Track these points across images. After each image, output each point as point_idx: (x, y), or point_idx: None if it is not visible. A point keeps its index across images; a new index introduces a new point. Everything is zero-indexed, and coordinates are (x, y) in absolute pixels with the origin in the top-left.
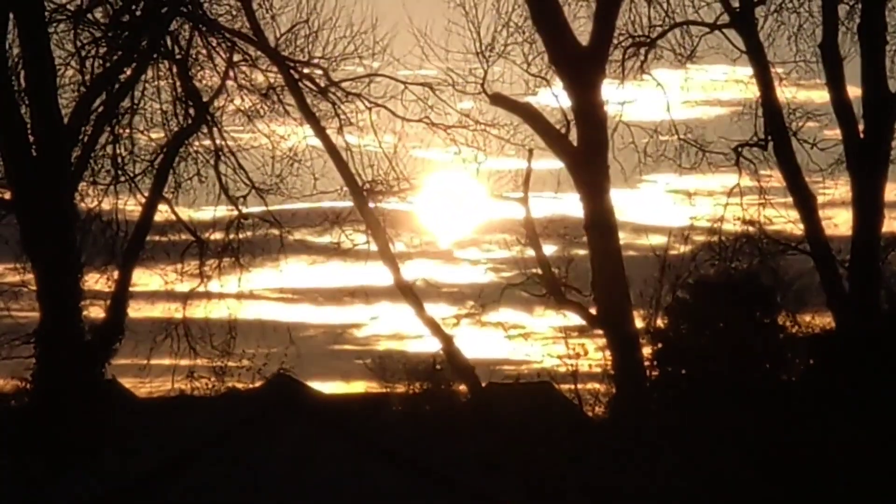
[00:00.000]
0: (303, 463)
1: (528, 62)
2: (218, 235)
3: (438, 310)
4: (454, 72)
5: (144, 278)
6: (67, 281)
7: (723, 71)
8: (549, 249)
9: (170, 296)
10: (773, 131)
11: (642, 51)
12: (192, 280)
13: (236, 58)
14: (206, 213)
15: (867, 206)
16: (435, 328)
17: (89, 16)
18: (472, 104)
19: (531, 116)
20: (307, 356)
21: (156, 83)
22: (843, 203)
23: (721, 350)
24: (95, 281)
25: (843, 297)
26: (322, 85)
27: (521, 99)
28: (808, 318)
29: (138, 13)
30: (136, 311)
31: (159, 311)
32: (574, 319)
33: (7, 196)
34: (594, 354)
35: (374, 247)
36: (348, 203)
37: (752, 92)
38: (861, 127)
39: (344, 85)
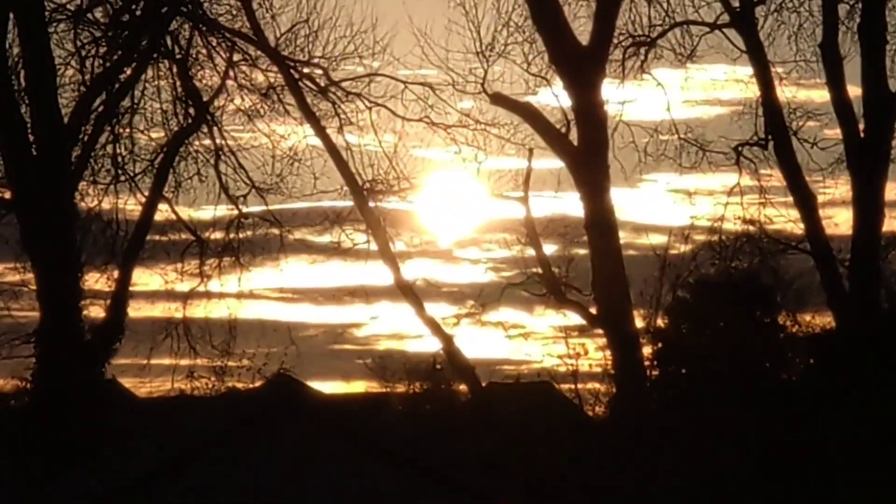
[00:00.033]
0: (303, 463)
1: (528, 62)
2: (218, 235)
3: (439, 309)
4: (454, 71)
5: (144, 278)
6: (67, 280)
7: (723, 70)
8: (550, 249)
9: (170, 295)
10: (774, 131)
11: (642, 50)
12: (192, 279)
13: (236, 57)
14: (206, 213)
15: (867, 205)
16: (435, 328)
17: (89, 15)
18: (472, 104)
19: (531, 116)
20: (307, 356)
21: (156, 83)
22: (843, 202)
23: (721, 349)
24: (95, 280)
25: (844, 297)
26: (322, 84)
27: (522, 98)
28: (808, 317)
29: (138, 13)
30: (136, 310)
31: (159, 310)
32: (574, 319)
33: (7, 195)
34: (594, 354)
35: (374, 246)
36: (348, 202)
37: (753, 91)
38: (861, 126)
39: (344, 84)
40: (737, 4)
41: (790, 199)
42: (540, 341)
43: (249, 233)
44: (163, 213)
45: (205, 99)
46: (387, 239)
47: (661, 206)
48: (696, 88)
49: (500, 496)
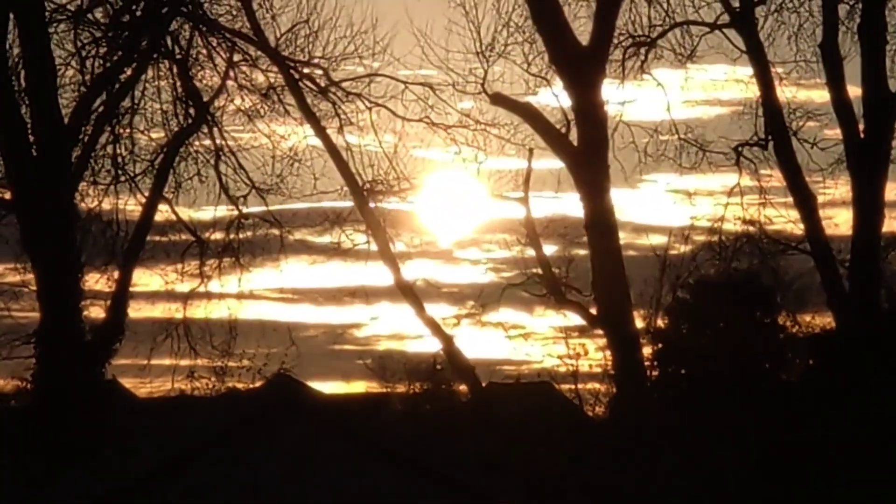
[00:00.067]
0: (303, 463)
1: (528, 62)
2: (218, 235)
3: (439, 310)
4: (454, 72)
5: (145, 278)
6: (68, 281)
7: (723, 71)
8: (550, 249)
9: (170, 296)
10: (774, 131)
11: (642, 50)
12: (192, 280)
13: (236, 58)
14: (206, 213)
15: (867, 205)
16: (435, 328)
17: (89, 16)
18: (472, 104)
19: (531, 116)
20: (307, 356)
21: (156, 83)
22: (843, 203)
23: (721, 350)
24: (96, 281)
25: (844, 297)
26: (322, 85)
27: (522, 99)
28: (808, 317)
29: (138, 13)
30: (136, 311)
31: (159, 311)
32: (574, 319)
33: (7, 196)
34: (594, 354)
35: (374, 247)
36: (348, 203)
37: (753, 92)
38: (861, 126)
39: (344, 85)
40: (737, 5)
41: (790, 199)
42: (540, 342)
43: (250, 233)
44: (163, 213)
45: (205, 99)
46: (387, 239)
47: (661, 207)
48: (696, 89)
49: (500, 496)
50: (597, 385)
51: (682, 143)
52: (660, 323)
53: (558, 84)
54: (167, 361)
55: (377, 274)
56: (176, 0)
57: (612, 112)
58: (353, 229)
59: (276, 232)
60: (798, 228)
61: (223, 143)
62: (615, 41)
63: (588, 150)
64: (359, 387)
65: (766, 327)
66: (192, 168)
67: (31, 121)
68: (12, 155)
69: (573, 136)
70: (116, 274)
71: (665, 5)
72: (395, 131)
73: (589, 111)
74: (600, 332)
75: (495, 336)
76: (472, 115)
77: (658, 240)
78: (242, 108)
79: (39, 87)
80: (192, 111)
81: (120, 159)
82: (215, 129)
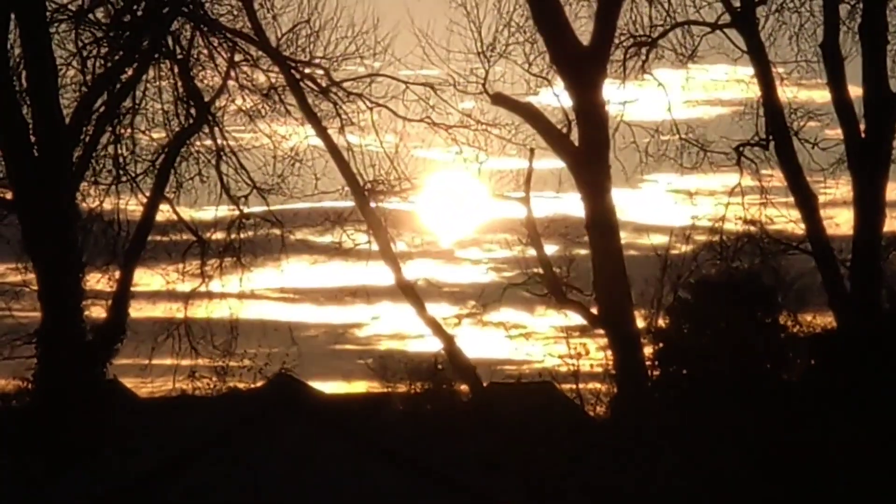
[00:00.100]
0: (304, 463)
1: (529, 62)
2: (219, 235)
3: (440, 309)
4: (455, 72)
5: (146, 278)
6: (69, 281)
7: (724, 71)
8: (551, 249)
9: (171, 296)
10: (775, 131)
11: (643, 50)
12: (193, 280)
13: (238, 58)
14: (207, 213)
15: (868, 205)
16: (436, 328)
17: (90, 16)
18: (473, 104)
19: (532, 116)
20: (308, 356)
21: (157, 83)
22: (844, 203)
23: (722, 350)
24: (97, 281)
25: (845, 297)
26: (323, 85)
27: (523, 99)
28: (809, 317)
29: (140, 13)
30: (137, 310)
31: (161, 310)
32: (575, 319)
33: (8, 196)
34: (595, 354)
35: (375, 246)
36: (350, 203)
37: (754, 91)
38: (862, 126)
39: (345, 85)
40: (738, 5)
41: (791, 199)
42: (541, 341)
43: (251, 233)
44: (164, 213)
45: (206, 99)
46: (388, 239)
47: (662, 207)
48: (697, 88)
49: (500, 496)
50: (598, 385)
51: (683, 143)
52: (661, 323)
53: (559, 84)
54: (168, 361)
55: (378, 274)
56: (177, 0)
57: (613, 112)
58: (354, 229)
59: (277, 232)
60: (799, 228)
61: (224, 143)
62: (616, 41)
63: (589, 150)
64: (360, 386)
65: (767, 327)
66: (193, 168)
67: (33, 121)
68: (13, 155)
69: (574, 136)
70: (117, 274)
71: (666, 5)
72: (397, 131)
73: (590, 111)
74: (601, 331)
75: (496, 336)
76: (473, 115)
77: (659, 240)
78: (243, 108)
79: (40, 87)
80: (193, 111)
81: (121, 159)
82: (216, 129)
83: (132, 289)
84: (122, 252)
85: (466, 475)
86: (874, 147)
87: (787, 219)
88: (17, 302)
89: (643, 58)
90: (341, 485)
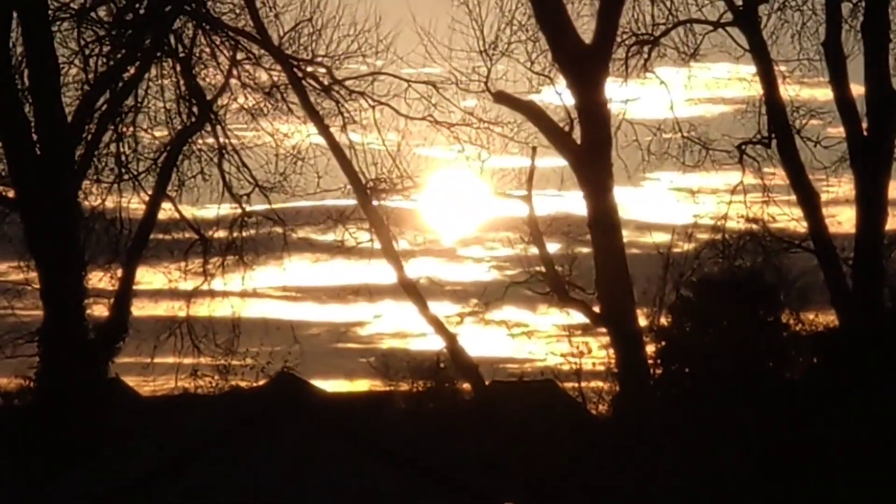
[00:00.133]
0: (306, 462)
1: (531, 60)
2: (221, 233)
3: (442, 308)
4: (458, 70)
5: (148, 276)
6: (71, 279)
7: (726, 69)
8: (553, 247)
9: (173, 294)
10: (777, 129)
11: (646, 49)
12: (195, 278)
13: (240, 56)
14: (209, 212)
15: (871, 203)
16: (438, 326)
17: (93, 14)
18: (475, 102)
19: (534, 114)
20: (311, 354)
21: (159, 81)
22: (846, 201)
23: (724, 348)
24: (99, 279)
25: (847, 295)
26: (325, 83)
27: (525, 97)
28: (811, 315)
29: (142, 11)
30: (139, 309)
31: (163, 309)
32: (577, 317)
33: (10, 194)
34: (597, 352)
35: (377, 245)
36: (352, 201)
37: (756, 90)
38: (864, 125)
39: (347, 83)
40: (740, 3)
41: (793, 197)
42: (543, 340)
43: (253, 231)
44: (166, 211)
45: (208, 98)
46: (390, 237)
47: (665, 205)
48: (700, 87)
49: (502, 496)
50: (600, 383)
51: (685, 142)
52: (663, 321)
53: (561, 82)
54: (171, 360)
55: (380, 272)
56: None
57: (615, 110)
58: (356, 227)
59: (279, 230)
60: (801, 226)
61: (226, 141)
62: (618, 39)
63: (591, 149)
64: (362, 385)
65: (770, 325)
66: (195, 166)
67: (35, 119)
68: (15, 153)
69: (576, 135)
70: (120, 272)
71: (668, 3)
72: (399, 129)
73: (592, 109)
74: (603, 330)
75: (498, 334)
76: (475, 113)
77: (661, 238)
78: (246, 106)
79: (42, 85)
80: (195, 109)
81: (123, 157)
82: (218, 128)
83: (134, 287)
84: (125, 250)
85: (467, 475)
86: (876, 145)
87: (789, 217)
88: (19, 300)
89: (645, 56)
90: (342, 484)
